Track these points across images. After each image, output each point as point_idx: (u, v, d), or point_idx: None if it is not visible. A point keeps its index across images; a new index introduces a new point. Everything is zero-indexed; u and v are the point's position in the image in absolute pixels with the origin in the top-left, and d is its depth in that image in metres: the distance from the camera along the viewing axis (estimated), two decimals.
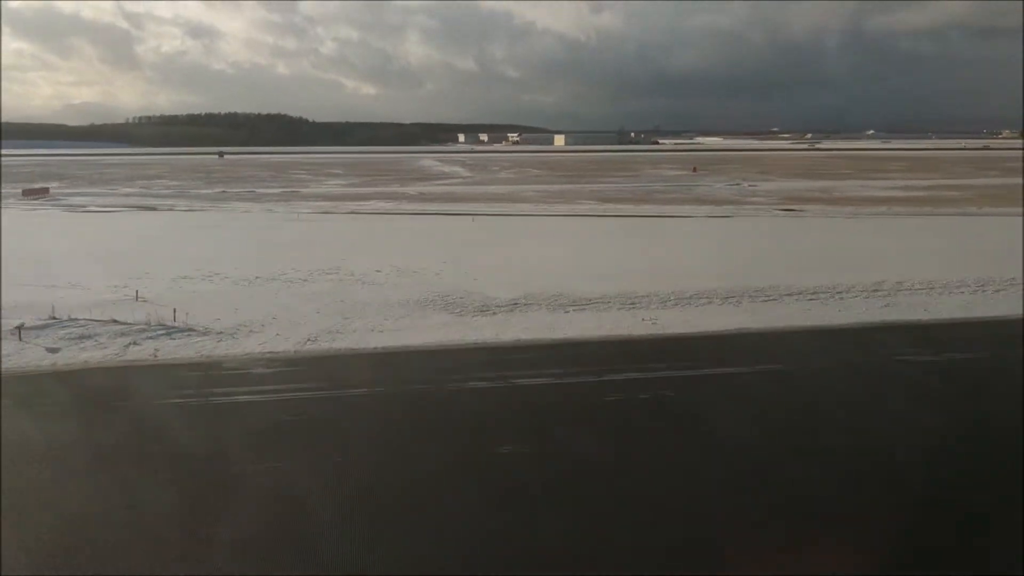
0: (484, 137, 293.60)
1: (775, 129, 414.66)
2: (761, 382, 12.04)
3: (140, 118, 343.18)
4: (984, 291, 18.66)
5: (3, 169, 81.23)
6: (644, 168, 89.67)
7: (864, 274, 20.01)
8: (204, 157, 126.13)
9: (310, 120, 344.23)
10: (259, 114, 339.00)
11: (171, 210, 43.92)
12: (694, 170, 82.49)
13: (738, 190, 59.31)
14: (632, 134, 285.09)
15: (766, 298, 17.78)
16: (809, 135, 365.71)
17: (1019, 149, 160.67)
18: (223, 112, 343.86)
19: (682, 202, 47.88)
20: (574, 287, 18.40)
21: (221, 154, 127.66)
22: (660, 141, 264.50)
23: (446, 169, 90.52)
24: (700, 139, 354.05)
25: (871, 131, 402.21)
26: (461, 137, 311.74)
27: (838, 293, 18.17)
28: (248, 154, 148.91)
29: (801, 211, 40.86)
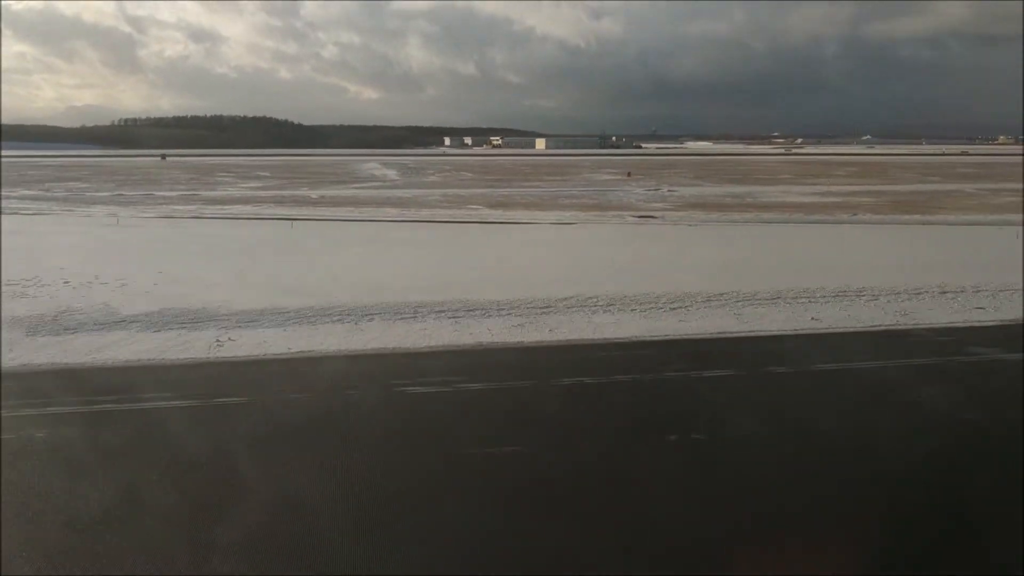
0: (468, 140, 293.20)
1: (775, 134, 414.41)
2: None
3: (127, 120, 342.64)
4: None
5: None
6: (583, 173, 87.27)
7: (598, 286, 17.36)
8: (150, 159, 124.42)
9: (295, 123, 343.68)
10: (244, 117, 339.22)
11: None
12: (628, 175, 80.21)
13: (648, 195, 56.79)
14: (614, 138, 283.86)
15: (468, 312, 15.13)
16: (799, 140, 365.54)
17: (992, 155, 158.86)
18: (209, 115, 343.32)
19: (576, 208, 45.42)
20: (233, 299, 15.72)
21: (163, 156, 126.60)
22: (642, 145, 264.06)
23: (378, 172, 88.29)
24: (690, 143, 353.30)
25: (867, 136, 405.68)
26: (447, 140, 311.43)
27: (541, 308, 15.52)
28: (203, 156, 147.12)
29: (661, 218, 38.28)
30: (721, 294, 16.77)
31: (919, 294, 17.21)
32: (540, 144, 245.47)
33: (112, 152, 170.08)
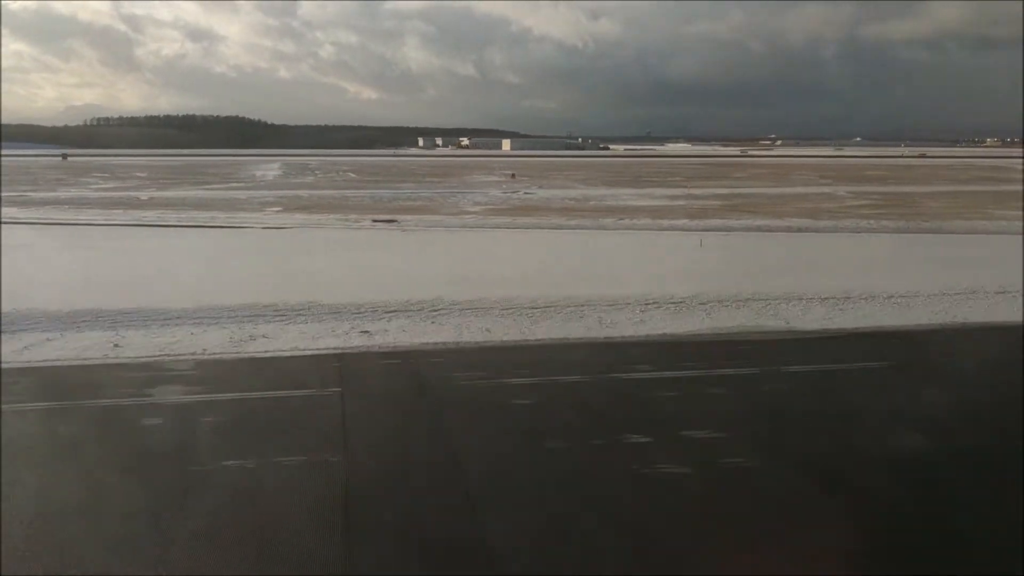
0: (439, 141, 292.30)
1: (773, 136, 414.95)
2: None
3: (99, 120, 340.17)
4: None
5: None
6: (470, 175, 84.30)
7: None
8: (52, 160, 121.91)
9: (267, 122, 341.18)
10: (216, 116, 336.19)
11: None
12: (512, 176, 77.52)
13: (487, 199, 53.82)
14: (579, 139, 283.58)
15: None
16: (779, 141, 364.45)
17: (950, 157, 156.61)
18: (181, 115, 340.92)
19: (407, 211, 42.35)
20: None
21: (64, 156, 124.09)
22: (609, 147, 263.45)
23: (268, 174, 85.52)
24: (671, 146, 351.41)
25: (858, 138, 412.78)
26: (420, 141, 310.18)
27: None
28: (121, 157, 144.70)
29: (403, 223, 35.32)
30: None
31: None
32: (506, 145, 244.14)
33: (19, 152, 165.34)
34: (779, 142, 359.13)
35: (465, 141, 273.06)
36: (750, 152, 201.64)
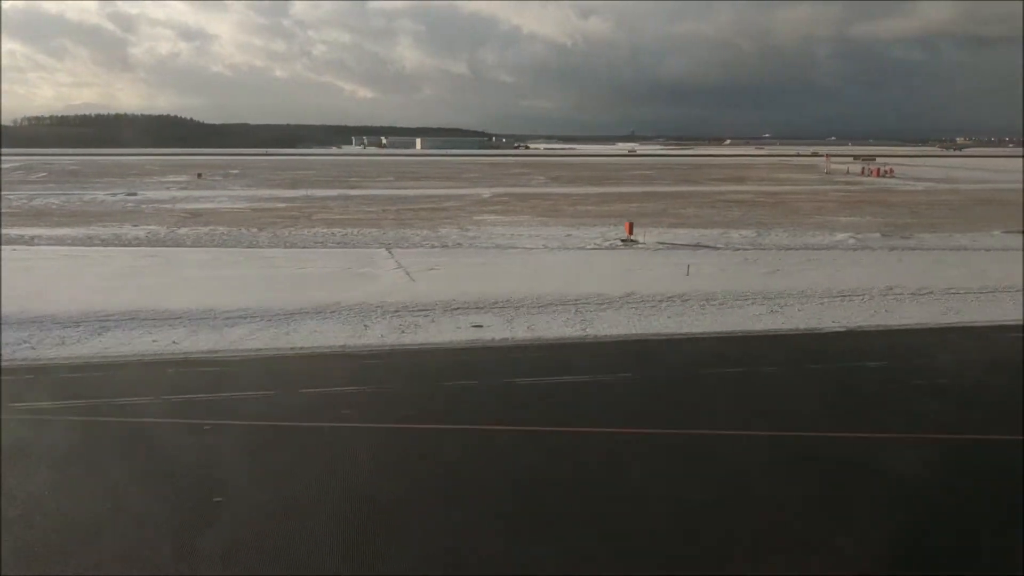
0: (365, 140, 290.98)
1: (767, 135, 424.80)
2: None
3: (29, 119, 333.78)
4: None
5: None
6: (167, 175, 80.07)
7: None
8: None
9: (199, 121, 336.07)
10: (149, 116, 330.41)
11: None
12: (199, 176, 76.46)
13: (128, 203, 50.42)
14: (493, 139, 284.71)
15: None
16: (728, 140, 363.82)
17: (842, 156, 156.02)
18: (114, 114, 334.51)
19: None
20: None
21: None
22: (529, 146, 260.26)
23: None
24: (620, 145, 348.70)
25: (832, 137, 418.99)
26: (365, 140, 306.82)
27: None
28: None
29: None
30: None
31: None
32: (419, 145, 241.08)
33: None
34: (727, 141, 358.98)
35: (384, 141, 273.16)
36: (637, 152, 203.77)
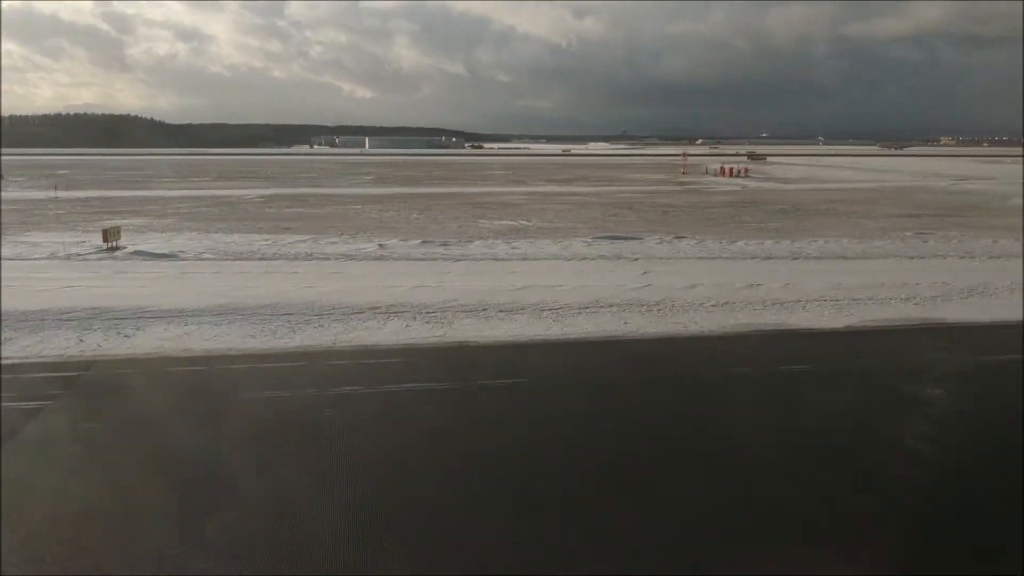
0: (337, 140, 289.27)
1: (764, 135, 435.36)
2: None
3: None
4: None
5: None
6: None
7: None
8: None
9: (155, 120, 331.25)
10: (110, 115, 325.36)
11: None
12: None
13: None
14: (443, 139, 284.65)
15: None
16: (700, 140, 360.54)
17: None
18: (72, 114, 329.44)
19: None
20: None
21: None
22: (484, 146, 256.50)
23: None
24: (591, 145, 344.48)
25: (820, 137, 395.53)
26: (321, 139, 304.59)
27: None
28: None
29: None
30: None
31: None
32: (367, 145, 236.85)
33: None
34: (699, 141, 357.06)
35: (337, 141, 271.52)
36: (572, 151, 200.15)
